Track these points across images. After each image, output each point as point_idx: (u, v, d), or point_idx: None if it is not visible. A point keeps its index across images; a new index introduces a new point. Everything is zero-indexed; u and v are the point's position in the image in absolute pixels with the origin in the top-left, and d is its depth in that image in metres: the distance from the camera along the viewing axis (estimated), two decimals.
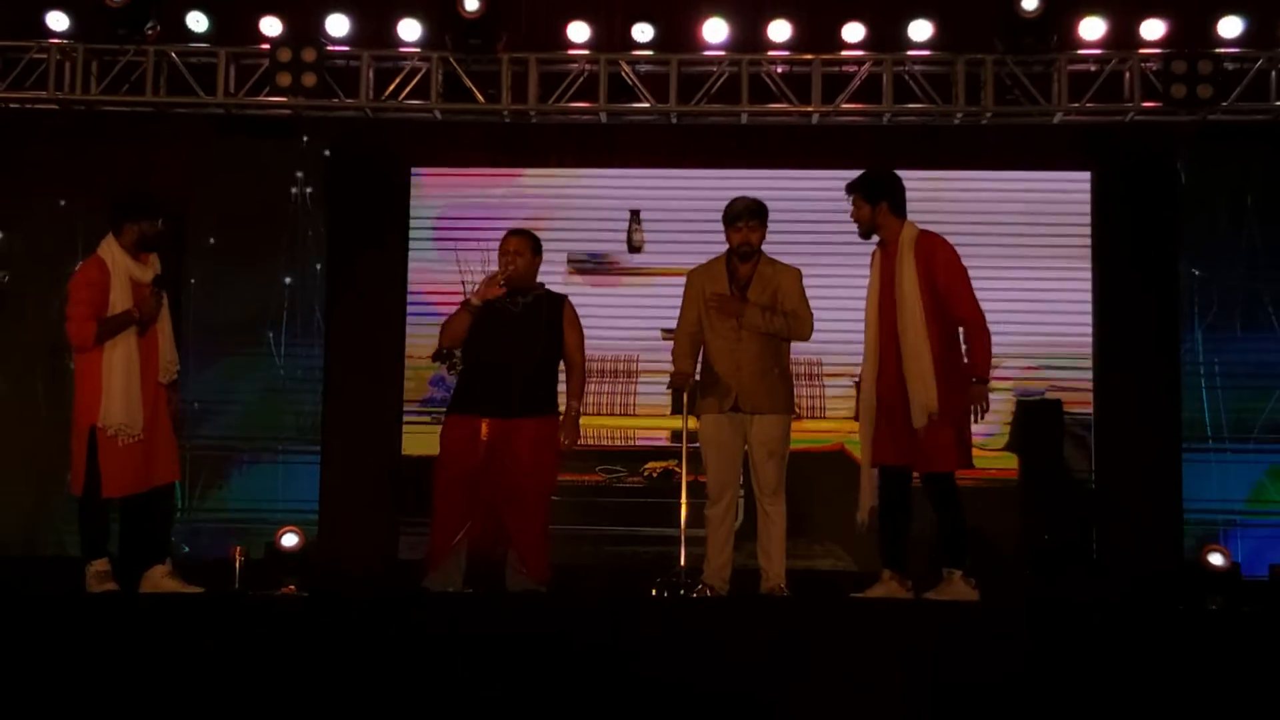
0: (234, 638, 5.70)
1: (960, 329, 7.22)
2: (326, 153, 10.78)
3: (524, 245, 7.66)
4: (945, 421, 7.11)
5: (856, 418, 7.58)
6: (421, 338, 10.50)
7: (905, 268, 7.20)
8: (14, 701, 5.20)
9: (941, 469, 7.18)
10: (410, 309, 10.84)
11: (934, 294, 7.17)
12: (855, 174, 7.58)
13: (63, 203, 10.56)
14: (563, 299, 7.77)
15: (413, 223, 10.94)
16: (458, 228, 10.85)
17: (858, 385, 7.55)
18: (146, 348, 7.33)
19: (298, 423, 10.48)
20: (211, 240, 10.58)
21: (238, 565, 8.48)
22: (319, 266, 10.66)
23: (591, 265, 10.88)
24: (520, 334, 7.52)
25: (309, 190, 10.65)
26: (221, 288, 10.45)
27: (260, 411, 10.49)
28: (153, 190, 7.75)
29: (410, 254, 10.91)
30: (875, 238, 7.47)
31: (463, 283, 10.55)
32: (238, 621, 6.13)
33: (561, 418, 7.61)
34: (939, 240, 7.34)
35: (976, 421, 7.21)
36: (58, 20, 10.58)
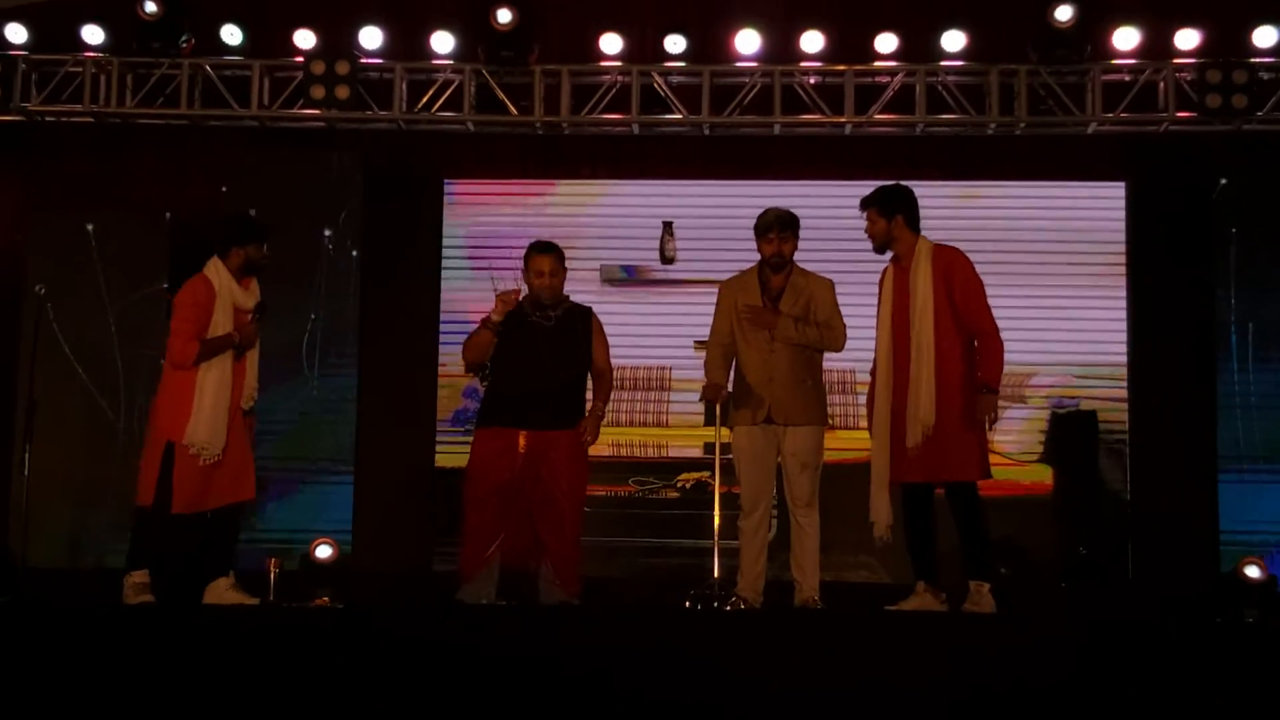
0: (268, 649, 5.71)
1: (975, 340, 7.20)
2: (361, 166, 10.80)
3: (556, 263, 7.67)
4: (967, 432, 7.10)
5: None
6: (455, 349, 10.49)
7: (921, 282, 7.20)
8: (48, 712, 5.22)
9: (964, 479, 7.16)
10: (443, 322, 10.83)
11: (952, 307, 7.16)
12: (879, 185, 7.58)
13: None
14: (589, 311, 7.79)
15: (446, 235, 10.95)
16: (491, 240, 10.84)
17: (869, 401, 7.51)
18: (236, 372, 7.43)
19: (334, 441, 10.48)
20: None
21: (273, 577, 8.49)
22: (353, 280, 10.66)
23: (624, 277, 10.87)
24: (555, 347, 7.53)
25: (342, 210, 10.65)
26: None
27: (297, 430, 10.48)
28: (259, 217, 7.85)
29: (444, 266, 10.91)
30: (889, 253, 7.45)
31: (495, 292, 10.56)
32: (272, 633, 6.14)
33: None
34: (956, 253, 7.33)
35: (989, 431, 7.19)
36: (93, 34, 10.66)
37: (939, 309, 7.15)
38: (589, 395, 7.77)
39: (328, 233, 10.59)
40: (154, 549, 7.34)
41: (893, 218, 7.41)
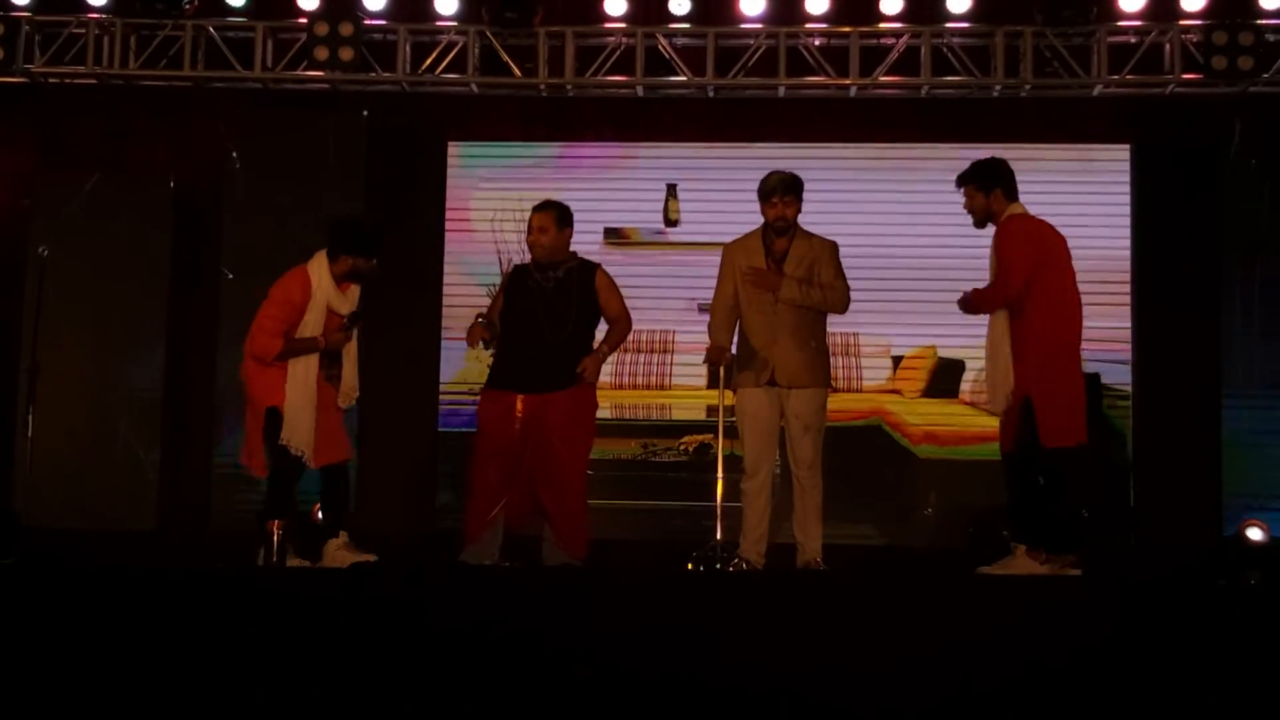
0: (270, 611, 5.73)
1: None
2: (365, 119, 10.78)
3: (549, 220, 7.64)
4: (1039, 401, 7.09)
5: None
6: (459, 310, 10.49)
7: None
8: (54, 672, 5.24)
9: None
10: (447, 285, 10.82)
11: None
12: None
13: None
14: (595, 267, 7.75)
15: (449, 197, 10.93)
16: (494, 202, 10.82)
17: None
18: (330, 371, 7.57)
19: None
20: (248, 221, 10.58)
21: (275, 539, 8.50)
22: None
23: (628, 239, 10.86)
24: (551, 309, 7.51)
25: (345, 163, 10.64)
26: (258, 263, 10.45)
27: None
28: (379, 227, 7.93)
29: (447, 229, 10.89)
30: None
31: (499, 254, 10.57)
32: (274, 594, 6.16)
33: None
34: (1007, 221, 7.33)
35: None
36: None
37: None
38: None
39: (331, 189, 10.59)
40: (287, 507, 7.53)
41: (990, 191, 7.37)
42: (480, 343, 7.61)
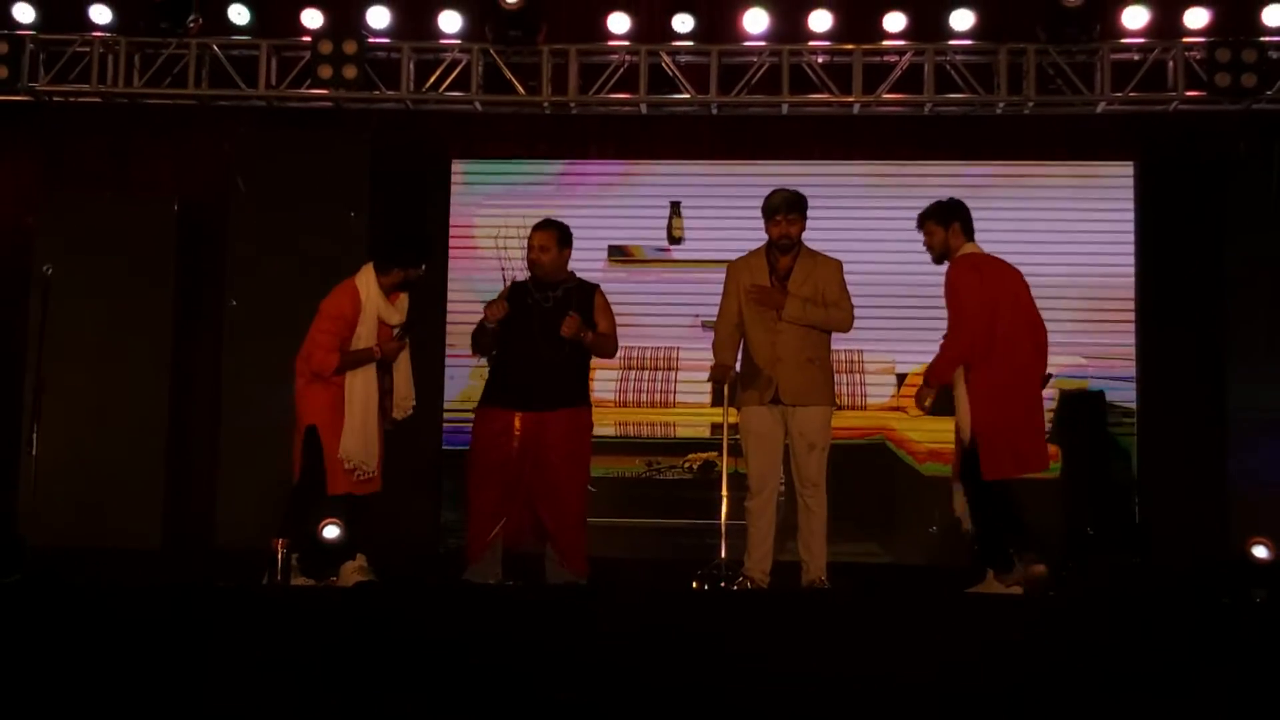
0: (275, 630, 5.72)
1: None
2: (369, 137, 10.79)
3: (550, 239, 7.67)
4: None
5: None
6: (462, 329, 10.49)
7: None
8: (56, 689, 5.24)
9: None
10: (450, 303, 10.81)
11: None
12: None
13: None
14: (594, 288, 7.77)
15: (453, 215, 10.93)
16: (498, 221, 10.82)
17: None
18: (382, 382, 7.63)
19: None
20: (253, 239, 10.58)
21: (280, 557, 8.50)
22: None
23: (631, 257, 10.86)
24: (547, 329, 7.52)
25: (349, 181, 10.64)
26: (262, 280, 10.46)
27: None
28: (426, 237, 7.94)
29: (450, 247, 10.89)
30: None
31: (502, 272, 10.56)
32: (280, 613, 6.15)
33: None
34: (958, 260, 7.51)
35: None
36: (101, 14, 10.65)
37: None
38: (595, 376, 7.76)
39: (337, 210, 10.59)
40: (299, 526, 7.62)
41: (949, 225, 7.52)
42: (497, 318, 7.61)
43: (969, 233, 7.53)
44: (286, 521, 7.53)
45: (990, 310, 7.32)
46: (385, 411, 7.70)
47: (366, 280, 7.54)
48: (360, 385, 7.44)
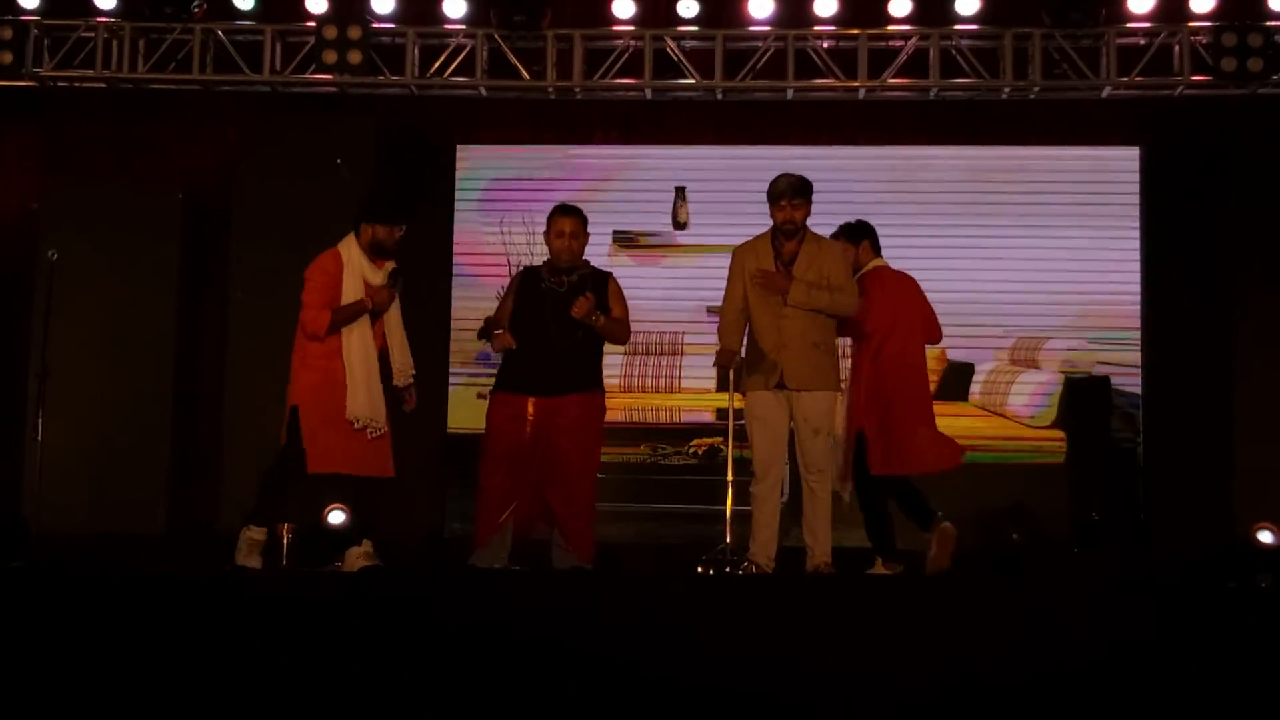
0: (282, 615, 5.73)
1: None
2: (373, 122, 10.79)
3: (579, 225, 7.65)
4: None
5: None
6: (466, 314, 10.50)
7: None
8: (60, 676, 5.25)
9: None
10: (455, 289, 10.81)
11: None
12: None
13: None
14: (607, 276, 7.76)
15: (458, 201, 10.93)
16: (503, 206, 10.83)
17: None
18: (378, 342, 7.50)
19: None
20: (257, 224, 10.57)
21: (285, 542, 8.51)
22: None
23: (636, 242, 10.86)
24: (561, 314, 7.50)
25: (353, 167, 10.63)
26: (266, 265, 10.47)
27: None
28: (407, 197, 7.85)
29: (455, 232, 10.89)
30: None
31: (506, 258, 10.57)
32: (286, 599, 6.16)
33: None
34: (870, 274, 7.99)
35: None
36: None
37: None
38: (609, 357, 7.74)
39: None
40: (276, 509, 7.53)
41: (860, 243, 7.97)
42: (502, 349, 7.62)
43: (877, 249, 8.04)
44: (261, 508, 7.46)
45: (890, 319, 7.80)
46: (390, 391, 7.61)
47: (348, 243, 7.49)
48: (358, 345, 7.36)
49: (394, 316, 7.57)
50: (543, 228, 7.79)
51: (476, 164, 11.04)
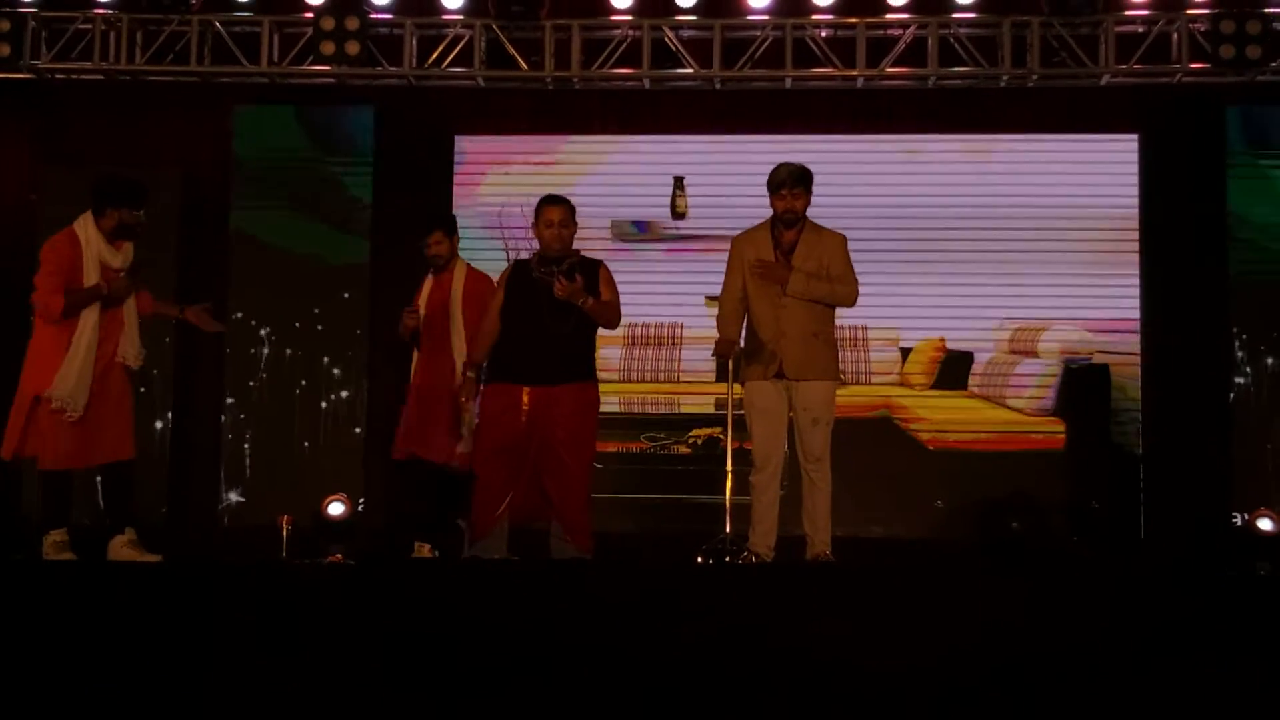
0: (281, 605, 5.73)
1: None
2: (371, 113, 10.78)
3: (567, 214, 7.64)
4: None
5: None
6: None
7: None
8: (55, 669, 5.25)
9: None
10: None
11: None
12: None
13: None
14: (598, 264, 7.75)
15: (456, 191, 10.93)
16: (501, 196, 10.81)
17: None
18: (110, 328, 7.37)
19: (344, 392, 10.51)
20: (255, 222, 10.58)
21: (285, 533, 8.52)
22: (364, 233, 10.67)
23: (635, 233, 10.85)
24: (553, 302, 7.48)
25: (353, 158, 10.64)
26: (265, 259, 10.48)
27: (308, 386, 10.49)
28: (141, 180, 7.73)
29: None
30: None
31: (505, 247, 10.56)
32: (285, 589, 6.16)
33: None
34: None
35: None
36: None
37: None
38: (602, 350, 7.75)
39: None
40: (62, 508, 7.37)
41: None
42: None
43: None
44: (51, 513, 7.32)
45: None
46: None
47: (84, 223, 7.41)
48: (88, 330, 7.28)
49: (130, 303, 7.50)
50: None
51: (475, 154, 11.03)
